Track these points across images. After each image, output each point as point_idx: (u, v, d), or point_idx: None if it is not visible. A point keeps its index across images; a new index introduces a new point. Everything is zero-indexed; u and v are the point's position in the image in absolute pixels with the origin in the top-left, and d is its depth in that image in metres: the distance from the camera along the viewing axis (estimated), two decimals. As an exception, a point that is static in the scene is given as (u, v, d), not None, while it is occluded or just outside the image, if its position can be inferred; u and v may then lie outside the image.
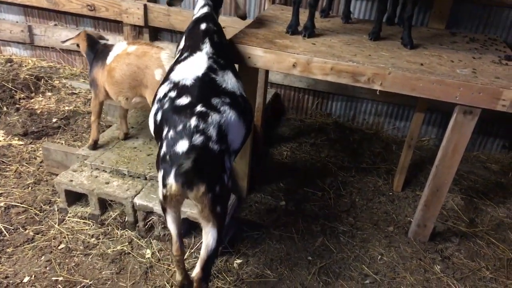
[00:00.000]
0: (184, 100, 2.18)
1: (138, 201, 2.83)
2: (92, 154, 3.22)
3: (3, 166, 3.55)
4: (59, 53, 5.15)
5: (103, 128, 4.15)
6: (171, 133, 2.13)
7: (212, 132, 2.11)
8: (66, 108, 4.47)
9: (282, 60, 2.81)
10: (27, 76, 4.83)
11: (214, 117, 2.14)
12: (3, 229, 2.90)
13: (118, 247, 2.81)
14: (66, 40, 3.43)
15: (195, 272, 2.20)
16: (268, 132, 4.23)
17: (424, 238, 3.13)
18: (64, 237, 2.88)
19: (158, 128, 2.24)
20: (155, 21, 4.40)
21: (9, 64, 5.11)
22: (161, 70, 2.87)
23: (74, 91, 4.78)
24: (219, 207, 2.13)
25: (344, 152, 4.08)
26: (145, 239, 2.89)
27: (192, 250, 2.84)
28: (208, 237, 2.16)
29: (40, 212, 3.10)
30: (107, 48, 3.18)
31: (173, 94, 2.22)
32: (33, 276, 2.57)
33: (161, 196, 2.16)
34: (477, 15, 3.79)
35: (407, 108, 4.28)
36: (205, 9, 2.72)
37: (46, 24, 5.04)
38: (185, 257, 2.72)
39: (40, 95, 4.66)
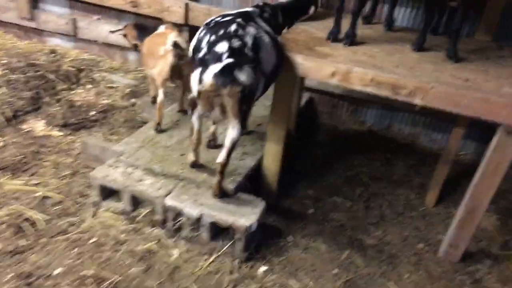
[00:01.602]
0: (226, 18, 2.68)
1: (168, 201, 2.86)
2: (127, 150, 3.28)
3: (42, 156, 3.67)
4: (101, 46, 5.27)
5: (139, 124, 4.24)
6: (213, 37, 2.56)
7: (248, 40, 2.54)
8: (105, 101, 4.57)
9: (321, 69, 2.77)
10: (69, 68, 4.97)
11: (251, 30, 2.60)
12: (40, 218, 3.00)
13: (147, 245, 2.86)
14: (115, 31, 3.99)
15: (221, 158, 2.69)
16: (301, 137, 4.19)
17: (455, 258, 3.02)
18: (96, 231, 2.95)
19: (199, 42, 2.67)
20: (195, 20, 4.43)
21: (52, 55, 5.27)
22: (163, 47, 3.42)
23: (113, 85, 4.88)
24: (245, 105, 2.55)
25: (377, 162, 4.00)
26: (173, 239, 2.93)
27: (219, 254, 2.85)
28: (233, 130, 2.61)
29: (75, 204, 3.19)
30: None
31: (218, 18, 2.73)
32: (64, 269, 2.65)
33: (195, 92, 2.58)
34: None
35: (445, 120, 4.14)
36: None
37: (90, 17, 5.16)
38: (212, 257, 2.82)
39: (81, 87, 4.78)
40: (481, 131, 4.04)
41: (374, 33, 3.39)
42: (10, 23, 5.44)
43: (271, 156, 3.23)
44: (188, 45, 3.21)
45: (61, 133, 4.00)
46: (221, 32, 2.56)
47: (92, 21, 5.12)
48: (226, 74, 2.40)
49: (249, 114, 2.72)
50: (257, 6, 3.16)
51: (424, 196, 3.63)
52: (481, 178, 2.72)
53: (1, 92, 4.33)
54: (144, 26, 4.15)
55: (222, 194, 2.89)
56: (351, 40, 3.03)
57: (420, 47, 3.04)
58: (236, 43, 2.49)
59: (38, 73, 4.80)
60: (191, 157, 3.11)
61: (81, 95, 4.64)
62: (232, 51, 2.46)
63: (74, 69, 4.96)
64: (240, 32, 2.54)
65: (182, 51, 3.37)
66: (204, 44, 2.59)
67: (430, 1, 2.94)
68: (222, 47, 2.48)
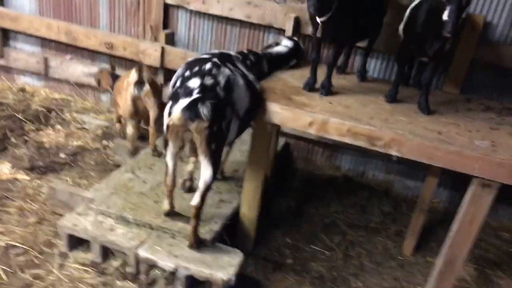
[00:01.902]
0: (205, 56, 2.81)
1: (142, 252, 2.74)
2: (98, 197, 3.15)
3: (7, 202, 3.47)
4: (72, 86, 5.18)
5: (111, 168, 4.11)
6: (187, 72, 2.65)
7: (221, 79, 2.61)
8: (75, 143, 4.43)
9: (299, 118, 2.80)
10: (38, 108, 4.83)
11: (225, 70, 2.68)
12: (1, 272, 2.79)
13: (118, 301, 2.70)
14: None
15: (195, 201, 2.70)
16: (277, 182, 4.17)
17: (435, 309, 3.00)
18: (62, 285, 2.77)
19: (176, 78, 2.75)
20: (171, 63, 4.44)
21: (21, 93, 5.13)
22: (126, 80, 3.66)
23: (84, 126, 4.76)
24: (214, 144, 2.56)
25: (353, 208, 4.01)
26: (146, 294, 2.78)
27: (194, 309, 2.72)
28: (206, 171, 2.64)
29: (41, 255, 3.00)
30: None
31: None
32: (26, 328, 2.46)
33: (165, 127, 2.61)
34: (491, 82, 3.80)
35: (418, 168, 4.23)
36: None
37: (62, 57, 5.08)
38: None
39: (50, 127, 4.64)
40: (453, 179, 4.15)
41: (348, 84, 3.48)
42: (-22, 60, 5.29)
43: (248, 204, 3.18)
44: (150, 78, 3.68)
45: (27, 177, 3.82)
46: (196, 68, 2.65)
47: (64, 61, 5.04)
48: (193, 108, 2.44)
49: (221, 155, 2.74)
50: (241, 52, 3.28)
51: (401, 245, 3.64)
52: (458, 230, 2.75)
53: (-36, 133, 4.15)
54: (118, 75, 4.29)
55: (198, 243, 2.81)
56: (327, 90, 3.09)
57: (393, 99, 3.13)
58: (208, 81, 2.57)
59: (5, 112, 4.64)
60: (165, 205, 2.99)
61: (50, 136, 4.49)
62: (203, 88, 2.53)
63: (43, 109, 4.82)
64: (214, 71, 2.61)
65: (142, 80, 3.59)
66: (179, 79, 2.67)
67: (402, 56, 3.07)
68: (194, 83, 2.55)
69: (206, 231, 2.91)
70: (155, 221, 2.97)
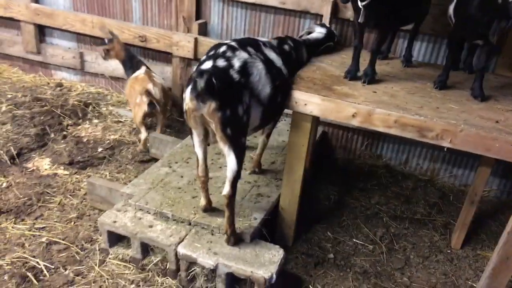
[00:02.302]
0: (226, 41, 2.70)
1: (181, 250, 2.69)
2: (136, 193, 3.13)
3: (47, 197, 3.53)
4: (108, 79, 5.20)
5: (147, 161, 4.10)
6: (204, 57, 2.59)
7: (236, 62, 2.51)
8: (112, 137, 4.45)
9: (341, 110, 2.65)
10: (75, 102, 4.88)
11: (242, 54, 2.57)
12: (44, 268, 2.83)
13: (159, 298, 2.68)
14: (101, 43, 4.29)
15: (225, 191, 2.59)
16: (316, 173, 4.04)
17: (489, 309, 2.82)
18: (104, 281, 2.77)
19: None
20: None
21: (58, 88, 5.20)
22: (139, 96, 3.95)
23: (120, 119, 4.78)
24: (229, 129, 2.44)
25: (396, 200, 3.83)
26: (187, 291, 2.74)
27: (235, 307, 2.66)
28: (230, 160, 2.53)
29: (82, 251, 3.02)
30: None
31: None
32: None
33: (184, 113, 2.56)
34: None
35: (466, 155, 3.99)
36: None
37: (97, 51, 5.09)
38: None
39: (87, 122, 4.68)
40: (505, 166, 3.89)
41: (392, 70, 3.28)
42: (16, 56, 5.39)
43: (288, 198, 3.07)
44: (162, 92, 4.05)
45: (67, 172, 3.86)
46: (212, 52, 2.61)
47: (99, 55, 5.04)
48: (202, 90, 2.32)
49: (242, 141, 2.58)
50: (278, 38, 3.15)
51: (449, 238, 3.45)
52: (515, 225, 2.54)
53: (5, 129, 4.23)
54: (133, 55, 4.35)
55: (234, 235, 2.73)
56: (370, 78, 2.92)
57: (443, 85, 2.92)
58: (221, 63, 2.48)
59: (44, 108, 4.71)
60: (202, 200, 2.93)
61: (88, 130, 4.53)
62: (214, 69, 2.43)
63: (80, 103, 4.87)
64: (229, 53, 2.54)
65: (155, 100, 3.96)
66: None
67: (454, 39, 2.83)
68: (207, 65, 2.48)
69: (245, 227, 2.83)
70: (193, 217, 2.91)
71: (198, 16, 4.40)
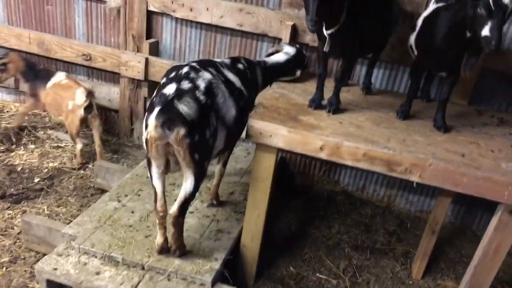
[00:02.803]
0: (184, 63, 2.56)
1: (135, 300, 2.40)
2: (80, 233, 2.79)
3: (-26, 238, 3.07)
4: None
5: (92, 193, 3.74)
6: (164, 79, 2.43)
7: (201, 83, 2.37)
8: (50, 164, 4.03)
9: (309, 142, 2.52)
10: (8, 125, 4.40)
11: (205, 74, 2.45)
12: (-33, 329, 2.41)
13: None
14: None
15: (172, 210, 2.44)
16: (275, 201, 3.87)
17: None
18: None
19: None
20: (156, 75, 4.08)
21: (-11, 109, 4.68)
22: (72, 102, 3.84)
23: (60, 144, 4.36)
24: (197, 154, 2.31)
25: (356, 228, 3.76)
26: None
27: None
28: (187, 182, 2.39)
29: (15, 304, 2.63)
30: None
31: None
32: None
33: (144, 143, 2.34)
34: (499, 91, 3.61)
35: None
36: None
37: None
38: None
39: (22, 147, 4.22)
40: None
41: (354, 98, 3.23)
42: None
43: (251, 235, 2.89)
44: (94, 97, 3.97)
45: (-3, 207, 3.41)
46: (173, 74, 2.44)
47: (37, 73, 4.61)
48: (167, 111, 2.18)
49: (206, 166, 2.46)
50: (231, 57, 2.97)
51: (410, 267, 3.42)
52: (482, 259, 2.53)
53: None
54: (33, 63, 4.21)
55: (180, 250, 2.64)
56: (335, 108, 2.82)
57: (406, 116, 2.88)
58: (185, 85, 2.33)
59: (-28, 132, 4.21)
60: (158, 238, 2.63)
61: (23, 157, 4.08)
62: (180, 92, 2.27)
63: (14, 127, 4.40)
64: (192, 75, 2.40)
65: (91, 104, 3.88)
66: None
67: (418, 70, 2.82)
68: (170, 89, 2.30)
69: (207, 271, 2.59)
70: (147, 260, 2.62)
71: (149, 35, 4.14)
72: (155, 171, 2.44)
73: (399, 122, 2.86)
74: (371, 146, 2.44)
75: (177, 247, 2.62)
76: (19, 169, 3.89)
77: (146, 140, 2.28)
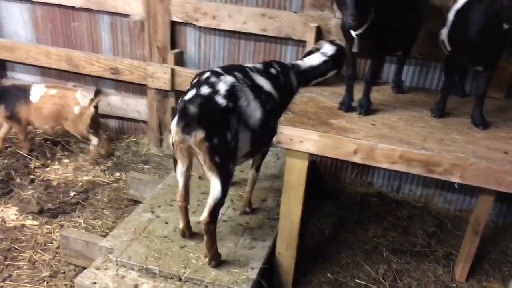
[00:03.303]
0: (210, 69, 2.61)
1: (173, 312, 2.40)
2: (117, 246, 2.81)
3: (16, 254, 3.15)
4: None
5: (126, 204, 3.78)
6: (188, 86, 2.50)
7: (221, 87, 2.39)
8: (85, 178, 4.10)
9: (341, 146, 2.46)
10: (42, 141, 4.52)
11: (227, 78, 2.46)
12: None
13: None
14: None
15: (203, 217, 2.48)
16: (308, 206, 3.81)
17: None
18: None
19: None
20: (182, 85, 4.10)
21: (24, 126, 4.81)
22: (77, 106, 4.05)
23: (100, 158, 4.43)
24: (217, 157, 2.34)
25: (393, 231, 3.65)
26: None
27: None
28: (213, 186, 2.43)
29: (57, 318, 2.67)
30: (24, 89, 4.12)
31: None
32: None
33: (170, 145, 2.52)
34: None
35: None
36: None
37: (64, 85, 4.76)
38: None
39: (57, 162, 4.31)
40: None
41: (384, 97, 3.14)
42: (-25, 94, 4.98)
43: (286, 242, 2.84)
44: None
45: (36, 222, 3.50)
46: (195, 80, 2.53)
47: (67, 89, 4.72)
48: (188, 119, 2.25)
49: (230, 168, 2.49)
50: (264, 62, 3.00)
51: (453, 269, 3.29)
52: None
53: (-35, 177, 3.83)
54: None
55: (216, 261, 2.64)
56: (366, 109, 2.75)
57: (441, 113, 2.78)
58: (205, 90, 2.37)
59: (8, 150, 4.33)
60: (180, 224, 2.86)
61: (58, 172, 4.17)
62: (198, 99, 2.32)
63: (48, 142, 4.52)
64: (213, 79, 2.44)
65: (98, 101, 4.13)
66: None
67: (452, 66, 2.71)
68: (190, 94, 2.38)
69: (243, 281, 2.56)
70: (183, 271, 2.62)
71: (173, 46, 4.17)
72: (179, 168, 2.64)
73: (434, 120, 2.76)
74: (407, 147, 2.36)
75: (212, 256, 2.62)
76: (55, 183, 3.98)
77: (172, 143, 2.49)
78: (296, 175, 2.64)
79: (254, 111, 2.53)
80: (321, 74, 3.18)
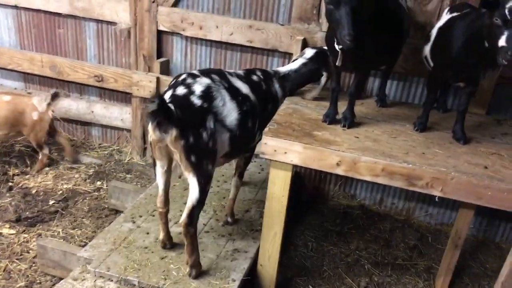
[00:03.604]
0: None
1: (152, 325, 2.35)
2: (96, 256, 2.75)
3: (-10, 263, 3.06)
4: (59, 121, 4.78)
5: (106, 214, 3.72)
6: (166, 88, 2.55)
7: (197, 88, 2.47)
8: (65, 186, 4.03)
9: (325, 158, 2.46)
10: (22, 148, 4.43)
11: (203, 79, 2.54)
12: None
13: None
14: None
15: (182, 219, 2.49)
16: (289, 218, 3.80)
17: None
18: None
19: None
20: (167, 94, 4.08)
21: (3, 132, 4.71)
22: (35, 112, 3.98)
23: (74, 166, 4.36)
24: (193, 156, 2.39)
25: (375, 243, 3.66)
26: None
27: None
28: (191, 188, 2.47)
29: (31, 331, 2.59)
30: None
31: None
32: None
33: (150, 145, 2.63)
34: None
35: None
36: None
37: (47, 91, 4.69)
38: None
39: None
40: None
41: (368, 110, 3.17)
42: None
43: (268, 254, 2.82)
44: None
45: (13, 231, 3.41)
46: (172, 82, 2.60)
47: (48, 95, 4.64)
48: (158, 116, 2.26)
49: (208, 169, 2.50)
50: (246, 69, 3.13)
51: (433, 283, 3.31)
52: (509, 275, 2.42)
53: None
54: None
55: (196, 269, 2.62)
56: (350, 122, 2.77)
57: (423, 128, 2.82)
58: (181, 90, 2.45)
59: (-14, 156, 4.24)
60: (161, 234, 2.84)
61: (37, 180, 4.08)
62: (174, 98, 2.41)
63: (28, 149, 4.42)
64: (189, 80, 2.51)
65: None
66: None
67: (434, 82, 2.76)
68: (166, 95, 2.44)
69: (224, 293, 2.53)
70: (163, 283, 2.57)
71: (159, 54, 4.16)
72: (158, 170, 2.63)
73: (416, 134, 2.80)
74: (390, 161, 2.38)
75: (193, 263, 2.60)
76: (34, 191, 3.89)
77: (150, 143, 2.53)
78: (280, 186, 2.64)
79: (231, 111, 2.58)
80: (307, 78, 3.20)
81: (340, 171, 2.47)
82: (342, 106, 2.87)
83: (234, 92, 2.65)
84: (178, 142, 2.34)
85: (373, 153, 2.44)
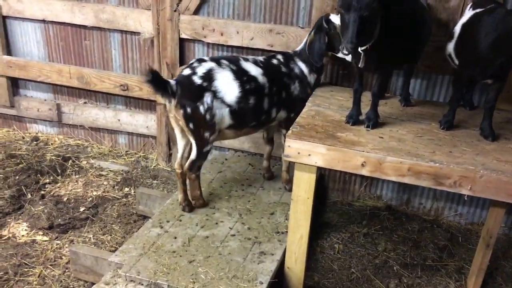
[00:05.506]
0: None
1: (182, 328, 2.38)
2: (126, 261, 2.82)
3: (26, 270, 3.17)
4: (88, 130, 4.92)
5: (134, 219, 3.80)
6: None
7: (200, 70, 3.01)
8: (94, 193, 4.14)
9: (349, 159, 2.46)
10: (53, 157, 4.58)
11: (208, 63, 3.06)
12: None
13: None
14: None
15: (186, 165, 3.21)
16: (315, 220, 3.80)
17: None
18: None
19: None
20: (191, 100, 4.14)
21: (34, 142, 4.89)
22: None
23: (102, 173, 4.48)
24: (191, 124, 2.99)
25: (404, 245, 3.61)
26: None
27: None
28: (193, 148, 3.12)
29: (66, 334, 2.67)
30: None
31: None
32: None
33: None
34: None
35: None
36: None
37: (75, 102, 4.85)
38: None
39: (67, 178, 4.36)
40: None
41: (392, 110, 3.14)
42: (-13, 110, 5.08)
43: (295, 257, 2.82)
44: None
45: (46, 238, 3.52)
46: (184, 66, 3.21)
47: (78, 106, 4.79)
48: (161, 88, 2.89)
49: (205, 136, 3.06)
50: (269, 55, 3.51)
51: (465, 284, 3.23)
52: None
53: (-23, 193, 3.88)
54: None
55: (198, 200, 3.36)
56: (374, 122, 2.75)
57: (449, 126, 2.77)
58: (186, 71, 3.03)
59: (19, 166, 4.39)
60: (178, 194, 3.36)
61: (68, 188, 4.21)
62: (179, 77, 3.06)
63: (59, 158, 4.56)
64: (195, 64, 3.06)
65: None
66: None
67: (460, 79, 2.71)
68: (177, 76, 3.16)
69: (253, 296, 2.55)
70: (192, 286, 2.61)
71: (182, 62, 4.23)
72: (178, 135, 3.22)
73: (443, 133, 2.75)
74: (416, 160, 2.35)
75: (193, 197, 3.32)
76: (65, 199, 4.01)
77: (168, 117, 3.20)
78: (304, 189, 2.64)
79: (232, 89, 3.03)
80: (319, 46, 3.29)
81: (365, 172, 2.45)
82: (365, 107, 2.86)
83: (239, 73, 3.08)
84: (179, 111, 2.95)
85: (398, 153, 2.42)
